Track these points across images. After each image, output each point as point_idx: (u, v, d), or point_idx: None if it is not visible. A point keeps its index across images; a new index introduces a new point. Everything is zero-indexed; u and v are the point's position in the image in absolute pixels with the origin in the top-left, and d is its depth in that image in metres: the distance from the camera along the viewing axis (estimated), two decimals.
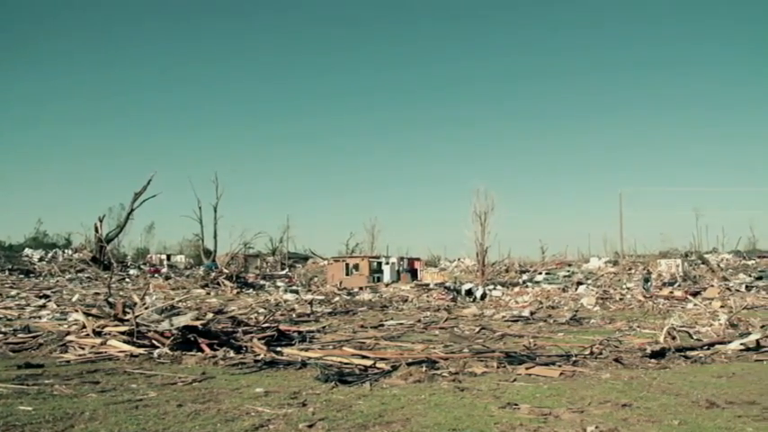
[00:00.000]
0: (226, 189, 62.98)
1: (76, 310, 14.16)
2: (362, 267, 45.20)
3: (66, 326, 13.62)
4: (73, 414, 6.42)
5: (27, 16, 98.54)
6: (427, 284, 34.98)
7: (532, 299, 26.80)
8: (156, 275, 41.87)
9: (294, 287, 36.32)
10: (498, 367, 9.67)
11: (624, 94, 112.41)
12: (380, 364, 9.67)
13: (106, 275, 32.27)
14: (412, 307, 25.02)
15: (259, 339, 12.20)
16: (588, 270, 47.54)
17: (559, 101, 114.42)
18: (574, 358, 10.55)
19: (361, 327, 17.43)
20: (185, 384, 8.34)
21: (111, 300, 14.19)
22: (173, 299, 17.93)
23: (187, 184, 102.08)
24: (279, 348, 11.64)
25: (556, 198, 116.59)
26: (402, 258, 49.92)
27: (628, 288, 31.01)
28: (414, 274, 46.12)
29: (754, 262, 51.98)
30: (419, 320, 19.19)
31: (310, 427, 6.03)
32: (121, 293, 25.27)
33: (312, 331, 15.43)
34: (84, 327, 12.07)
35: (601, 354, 11.12)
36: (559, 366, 9.88)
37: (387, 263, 46.23)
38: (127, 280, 37.34)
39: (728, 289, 29.74)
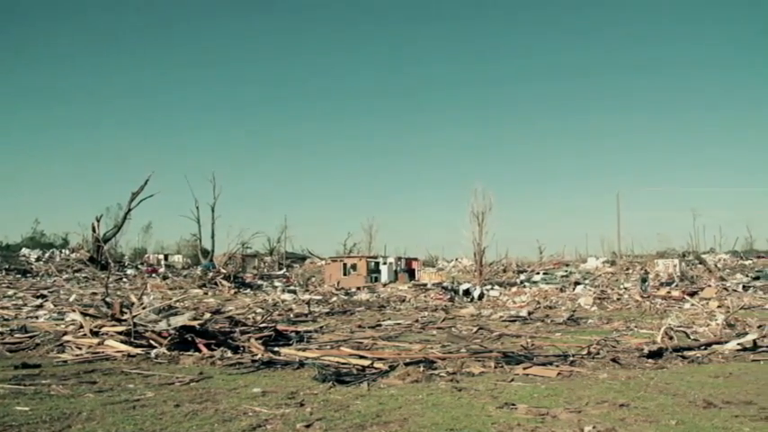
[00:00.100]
0: (223, 189, 62.93)
1: (74, 310, 14.14)
2: (360, 267, 45.19)
3: (63, 326, 13.60)
4: (70, 414, 6.40)
5: (25, 17, 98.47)
6: (425, 284, 35.02)
7: (530, 299, 26.82)
8: (153, 275, 41.84)
9: (292, 287, 36.30)
10: (496, 367, 9.67)
11: (622, 94, 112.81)
12: (378, 364, 9.67)
13: (103, 275, 32.24)
14: (409, 307, 25.03)
15: (256, 339, 12.19)
16: (586, 270, 47.64)
17: (557, 101, 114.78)
18: (571, 358, 10.56)
19: (359, 327, 17.42)
20: (183, 384, 8.33)
21: (108, 300, 14.18)
22: (170, 299, 17.94)
23: (184, 183, 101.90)
24: (276, 348, 11.63)
25: (553, 198, 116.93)
26: (400, 258, 49.93)
27: (625, 288, 31.09)
28: (411, 274, 46.13)
29: (751, 262, 52.11)
30: (417, 320, 19.19)
31: (308, 427, 6.03)
32: (119, 293, 25.21)
33: (310, 331, 15.43)
34: (81, 327, 12.05)
35: (598, 354, 11.14)
36: (557, 366, 9.88)
37: (384, 263, 46.23)
38: (124, 280, 37.30)
39: (726, 289, 29.79)
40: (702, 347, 11.83)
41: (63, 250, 52.49)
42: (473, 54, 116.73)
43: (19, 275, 37.12)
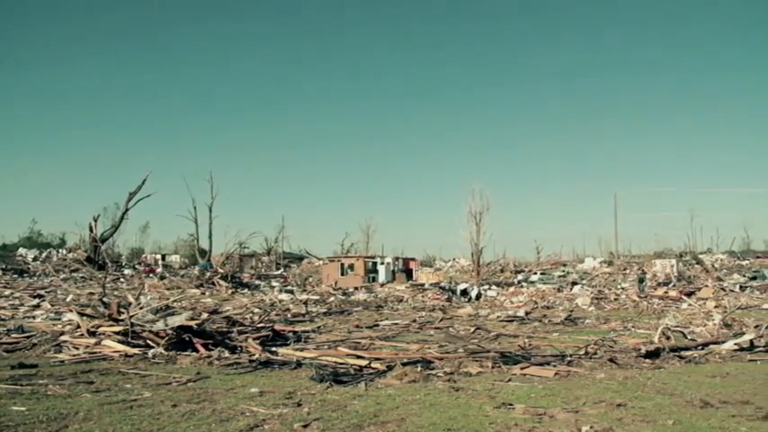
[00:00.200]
0: (221, 189, 63.06)
1: (71, 310, 14.13)
2: (358, 267, 45.19)
3: (60, 326, 13.57)
4: (67, 414, 6.39)
5: (23, 18, 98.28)
6: (422, 284, 35.01)
7: (527, 299, 26.82)
8: (150, 275, 41.79)
9: (289, 287, 36.29)
10: (493, 367, 9.68)
11: (620, 95, 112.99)
12: (375, 364, 9.66)
13: (101, 275, 32.23)
14: (407, 307, 25.02)
15: (254, 339, 12.18)
16: (583, 270, 47.69)
17: (555, 101, 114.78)
18: (569, 358, 10.57)
19: (357, 327, 17.42)
20: (180, 384, 8.32)
21: (105, 300, 14.13)
22: (168, 299, 17.91)
23: (182, 183, 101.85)
24: (274, 348, 11.63)
25: (551, 198, 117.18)
26: (397, 258, 49.96)
27: (623, 288, 31.10)
28: (409, 274, 46.13)
29: (748, 262, 52.24)
30: (414, 320, 19.18)
31: (305, 427, 6.03)
32: (116, 293, 25.17)
33: (307, 331, 15.43)
34: (78, 327, 12.03)
35: (596, 354, 11.14)
36: (554, 366, 9.89)
37: (382, 263, 46.23)
38: (121, 280, 37.24)
39: (723, 289, 29.80)
40: (699, 347, 11.85)
41: (60, 250, 52.43)
42: (470, 55, 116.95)
43: (16, 275, 37.05)
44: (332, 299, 28.19)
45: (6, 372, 9.01)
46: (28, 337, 12.29)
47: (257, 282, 40.46)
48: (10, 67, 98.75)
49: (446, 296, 28.67)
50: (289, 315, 20.85)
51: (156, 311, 13.00)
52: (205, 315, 14.65)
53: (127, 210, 47.79)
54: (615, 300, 26.00)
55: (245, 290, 34.45)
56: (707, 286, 30.70)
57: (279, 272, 53.86)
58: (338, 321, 19.34)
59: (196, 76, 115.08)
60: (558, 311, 21.93)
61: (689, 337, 13.27)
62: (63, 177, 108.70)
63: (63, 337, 11.65)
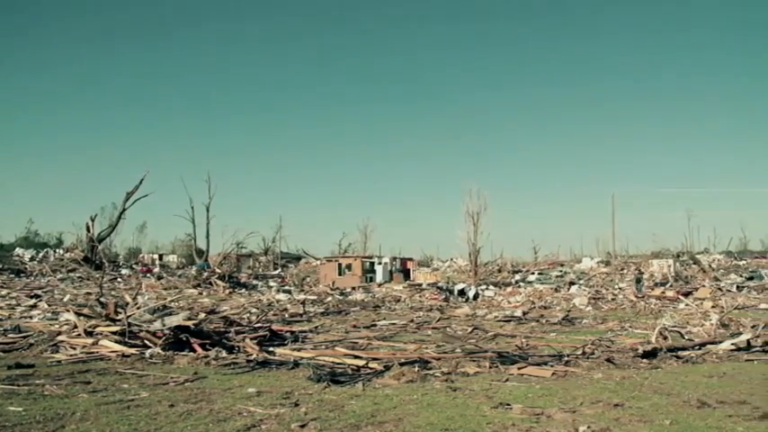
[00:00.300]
0: (218, 189, 62.84)
1: (68, 310, 14.10)
2: (355, 267, 45.18)
3: (57, 326, 13.55)
4: (64, 414, 6.39)
5: (20, 19, 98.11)
6: (420, 284, 35.01)
7: (525, 299, 26.85)
8: (148, 275, 41.73)
9: (287, 287, 36.27)
10: (491, 367, 9.68)
11: (617, 94, 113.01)
12: (373, 365, 9.67)
13: (98, 275, 32.17)
14: (404, 307, 25.02)
15: (251, 339, 12.17)
16: (580, 270, 47.68)
17: (552, 101, 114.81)
18: (566, 358, 10.58)
19: (354, 327, 17.42)
20: (177, 384, 8.31)
21: (102, 299, 14.12)
22: (165, 299, 17.88)
23: (179, 183, 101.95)
24: (271, 348, 11.63)
25: (548, 198, 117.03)
26: (395, 258, 49.97)
27: (620, 288, 31.16)
28: (406, 274, 46.14)
29: (745, 262, 52.31)
30: (412, 320, 19.19)
31: (302, 427, 6.03)
32: (113, 293, 25.15)
33: (305, 331, 15.42)
34: (75, 327, 12.02)
35: (593, 354, 11.15)
36: (552, 366, 9.90)
37: (379, 263, 46.24)
38: (119, 280, 37.19)
39: (720, 289, 29.87)
40: (696, 347, 11.86)
41: (57, 250, 52.27)
42: (468, 56, 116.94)
43: (13, 275, 36.95)
44: (329, 299, 28.19)
45: (3, 372, 8.99)
46: (25, 337, 12.27)
47: (255, 282, 40.44)
48: (7, 69, 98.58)
49: (443, 296, 28.69)
50: (286, 315, 20.85)
51: (154, 311, 13.00)
52: (202, 315, 14.64)
53: (124, 210, 47.76)
54: (612, 300, 26.06)
55: (243, 290, 34.44)
56: (704, 286, 30.74)
57: (276, 272, 53.82)
58: (336, 321, 19.34)
59: (194, 77, 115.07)
60: (556, 311, 21.94)
61: (686, 337, 13.28)
62: (60, 177, 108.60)
63: (60, 337, 11.64)
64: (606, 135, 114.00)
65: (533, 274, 43.57)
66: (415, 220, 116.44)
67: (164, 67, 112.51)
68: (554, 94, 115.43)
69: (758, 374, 9.38)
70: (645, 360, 10.63)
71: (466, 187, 41.92)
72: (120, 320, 11.66)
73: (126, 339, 11.11)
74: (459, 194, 42.88)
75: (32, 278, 36.37)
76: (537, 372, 9.38)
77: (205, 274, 37.82)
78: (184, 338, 11.32)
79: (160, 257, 61.34)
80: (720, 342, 12.06)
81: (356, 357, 10.44)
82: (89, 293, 26.10)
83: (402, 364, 9.57)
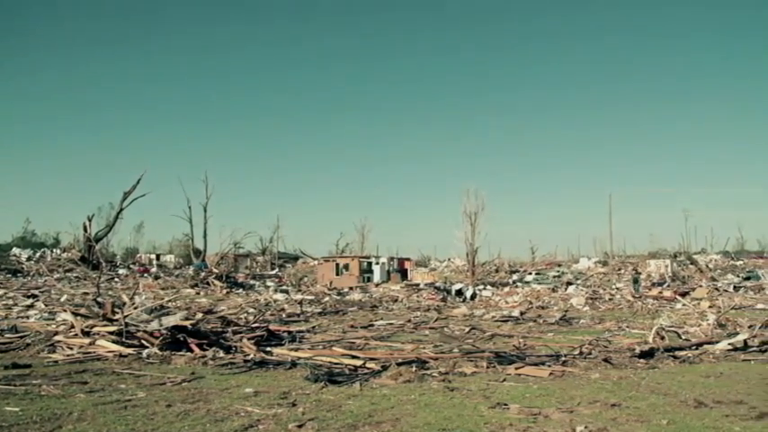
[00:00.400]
0: (216, 188, 62.70)
1: (65, 310, 14.07)
2: (353, 267, 45.16)
3: (54, 326, 13.52)
4: (61, 415, 6.38)
5: (18, 15, 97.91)
6: (417, 284, 34.98)
7: (522, 299, 26.85)
8: (145, 275, 41.67)
9: (284, 287, 36.23)
10: (488, 367, 9.68)
11: (615, 94, 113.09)
12: (370, 365, 9.67)
13: (95, 275, 32.09)
14: (402, 307, 25.02)
15: (249, 339, 12.17)
16: (578, 270, 47.71)
17: (550, 102, 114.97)
18: (563, 358, 10.59)
19: (351, 327, 17.42)
20: (174, 384, 8.31)
21: (99, 299, 14.12)
22: (162, 299, 17.85)
23: (177, 183, 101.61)
24: (269, 348, 11.62)
25: (546, 198, 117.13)
26: (392, 258, 49.90)
27: (617, 288, 31.15)
28: (404, 274, 46.12)
29: (742, 262, 52.33)
30: (409, 320, 19.19)
31: (300, 427, 6.02)
32: (110, 293, 25.09)
33: (302, 331, 15.41)
34: (72, 327, 12.00)
35: (590, 354, 11.16)
36: (549, 366, 9.91)
37: (377, 263, 46.20)
38: (116, 280, 37.13)
39: (717, 289, 29.87)
40: (694, 347, 11.88)
41: (54, 250, 52.17)
42: (465, 54, 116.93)
43: (9, 275, 36.89)
44: (327, 299, 28.18)
45: (0, 372, 8.97)
46: (21, 337, 12.24)
47: (252, 282, 40.38)
48: (4, 69, 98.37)
49: (441, 296, 28.68)
50: (284, 315, 20.85)
51: (151, 311, 12.98)
52: (200, 315, 14.61)
53: (121, 209, 47.71)
54: (610, 300, 26.06)
55: (240, 290, 34.40)
56: (701, 286, 30.77)
57: (274, 272, 53.75)
58: (333, 321, 19.33)
59: (191, 77, 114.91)
60: (553, 311, 21.96)
61: (683, 337, 13.30)
62: (57, 177, 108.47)
63: (57, 337, 11.61)
64: (604, 136, 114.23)
65: (531, 274, 43.58)
66: (413, 220, 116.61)
67: (161, 68, 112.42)
68: (552, 95, 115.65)
69: (755, 374, 9.40)
70: (642, 360, 10.65)
71: (463, 187, 42.04)
72: (117, 320, 11.64)
73: (123, 339, 11.10)
74: (456, 195, 43.05)
75: (29, 278, 36.30)
76: (534, 372, 9.39)
77: (202, 274, 37.78)
78: (182, 338, 11.31)
79: (157, 257, 61.26)
80: (717, 342, 12.08)
81: (353, 357, 10.45)
82: (86, 293, 26.04)
83: (399, 364, 9.57)
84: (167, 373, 9.07)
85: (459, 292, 29.81)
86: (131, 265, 49.66)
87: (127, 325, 11.38)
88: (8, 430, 5.80)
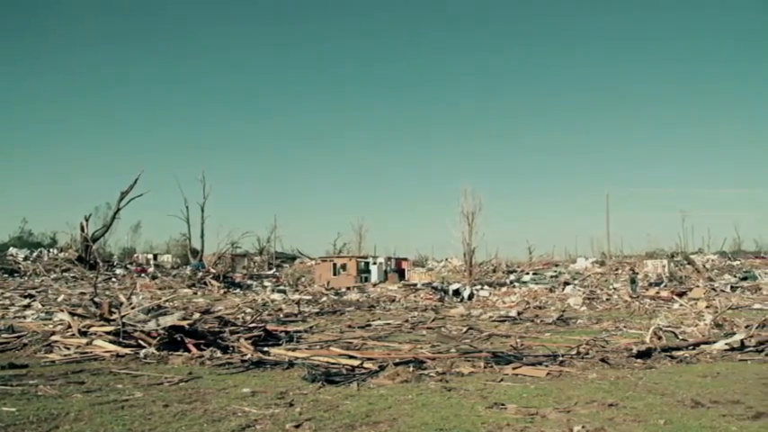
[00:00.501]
0: (213, 188, 62.61)
1: (62, 310, 14.05)
2: (350, 267, 45.15)
3: (51, 326, 13.48)
4: (58, 415, 6.37)
5: (14, 14, 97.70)
6: (415, 284, 34.99)
7: (519, 299, 26.84)
8: (142, 275, 41.61)
9: (281, 287, 36.20)
10: (485, 367, 9.68)
11: (612, 94, 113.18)
12: (368, 365, 9.66)
13: (92, 275, 32.11)
14: (399, 307, 25.02)
15: (246, 339, 12.16)
16: (575, 270, 47.78)
17: (547, 101, 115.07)
18: (560, 358, 10.59)
19: (349, 327, 17.41)
20: (172, 384, 8.30)
21: (96, 299, 14.10)
22: (159, 299, 17.87)
23: (174, 183, 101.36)
24: (266, 348, 11.61)
25: (543, 199, 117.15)
26: (389, 258, 49.89)
27: (614, 288, 31.18)
28: (401, 274, 46.12)
29: (739, 263, 52.39)
30: (406, 320, 19.18)
31: (297, 427, 6.02)
32: (107, 293, 25.08)
33: (299, 331, 15.41)
34: (69, 327, 11.98)
35: (587, 354, 11.17)
36: (546, 366, 9.91)
37: (374, 263, 46.19)
38: (113, 279, 37.08)
39: (714, 289, 29.91)
40: (691, 347, 11.90)
41: (51, 250, 52.20)
42: (462, 54, 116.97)
43: (6, 275, 36.85)
44: (324, 299, 28.17)
45: None
46: (18, 338, 12.22)
47: (249, 282, 40.36)
48: (1, 69, 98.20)
49: (438, 296, 28.68)
50: (281, 315, 20.84)
51: (148, 311, 12.98)
52: (197, 315, 14.60)
53: (118, 209, 47.66)
54: (607, 300, 26.07)
55: (238, 290, 34.38)
56: (698, 286, 30.81)
57: (271, 272, 53.73)
58: (330, 321, 19.32)
59: (189, 76, 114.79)
60: (550, 311, 21.97)
61: (680, 337, 13.31)
62: (54, 177, 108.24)
63: (54, 338, 11.60)
64: (601, 136, 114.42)
65: (528, 274, 43.61)
66: (411, 220, 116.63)
67: (159, 68, 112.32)
68: (549, 96, 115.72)
69: (752, 374, 9.41)
70: (639, 360, 10.66)
71: (461, 188, 42.04)
72: (114, 320, 11.63)
73: (120, 339, 11.09)
74: (454, 195, 42.85)
75: (26, 278, 36.28)
76: (532, 372, 9.39)
77: (200, 273, 37.78)
78: (179, 338, 11.29)
79: (155, 257, 61.25)
80: (714, 342, 12.09)
81: (351, 357, 10.44)
82: (83, 293, 26.03)
83: (397, 364, 9.57)
84: (164, 373, 9.06)
85: (457, 292, 29.81)
86: (128, 265, 49.60)
87: (124, 325, 11.37)
88: (5, 430, 5.79)
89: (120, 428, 5.91)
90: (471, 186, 41.81)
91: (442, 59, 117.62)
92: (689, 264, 45.56)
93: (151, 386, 8.17)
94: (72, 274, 37.58)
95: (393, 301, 27.74)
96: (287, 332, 14.95)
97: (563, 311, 21.64)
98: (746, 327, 13.83)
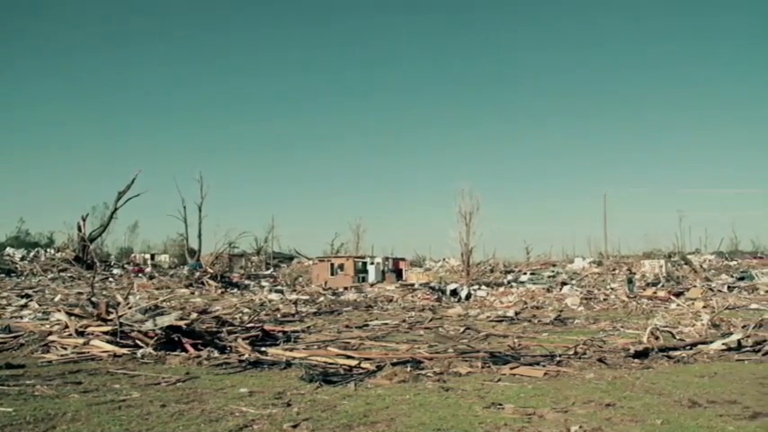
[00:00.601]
0: (211, 188, 62.67)
1: (59, 310, 14.02)
2: (347, 267, 45.14)
3: (48, 326, 13.46)
4: (55, 415, 6.36)
5: (9, 13, 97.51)
6: (412, 284, 34.97)
7: (517, 299, 26.84)
8: (139, 275, 41.58)
9: (279, 287, 36.18)
10: (483, 367, 9.69)
11: (610, 95, 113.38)
12: (365, 364, 9.66)
13: (89, 275, 32.06)
14: (397, 307, 25.00)
15: (243, 339, 12.15)
16: (573, 270, 47.77)
17: (545, 102, 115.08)
18: (558, 358, 10.60)
19: (346, 327, 17.40)
20: (169, 384, 8.29)
21: (94, 299, 14.06)
22: (157, 298, 17.82)
23: (172, 183, 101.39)
24: (263, 348, 11.60)
25: (541, 199, 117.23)
26: (387, 258, 49.91)
27: (612, 288, 31.19)
28: (399, 274, 46.11)
29: (736, 263, 52.48)
30: (404, 320, 19.17)
31: (295, 427, 6.02)
32: (105, 293, 25.02)
33: (297, 331, 15.40)
34: (66, 327, 11.95)
35: (585, 354, 11.17)
36: (544, 366, 9.92)
37: (372, 263, 46.20)
38: (110, 279, 37.03)
39: (711, 289, 29.92)
40: (688, 347, 11.91)
41: (48, 249, 52.07)
42: (460, 53, 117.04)
43: (3, 275, 36.77)
44: (322, 299, 28.15)
45: None
46: (15, 338, 12.20)
47: (247, 281, 40.32)
48: None
49: (436, 296, 28.66)
50: (278, 315, 20.80)
51: (145, 311, 12.96)
52: (194, 315, 14.58)
53: (116, 209, 47.64)
54: (604, 300, 26.08)
55: (235, 290, 34.33)
56: (695, 286, 30.81)
57: (268, 272, 53.72)
58: (328, 321, 19.31)
59: (187, 76, 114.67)
60: (548, 311, 21.97)
61: (677, 337, 13.32)
62: (51, 176, 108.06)
63: (51, 338, 11.58)
64: (599, 136, 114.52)
65: (525, 274, 43.61)
66: (408, 220, 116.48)
67: (157, 68, 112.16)
68: (547, 95, 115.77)
69: (748, 374, 9.43)
70: (636, 360, 10.67)
71: (458, 187, 41.99)
72: (111, 320, 11.61)
73: (117, 339, 11.07)
74: (451, 194, 42.84)
75: (23, 278, 36.22)
76: (529, 372, 9.40)
77: (197, 273, 37.72)
78: (176, 338, 11.28)
79: (152, 257, 61.19)
80: (711, 342, 12.11)
81: (348, 357, 10.44)
82: (80, 293, 26.00)
83: (394, 364, 9.57)
84: (162, 374, 9.05)
85: (454, 293, 29.80)
86: (126, 265, 49.58)
87: (121, 325, 11.35)
88: (1, 431, 5.78)
89: (117, 428, 5.90)
90: (469, 186, 41.80)
91: (441, 60, 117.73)
92: (686, 264, 45.63)
93: (148, 386, 8.16)
94: (69, 274, 37.54)
95: (390, 301, 27.73)
96: (284, 332, 14.95)
97: (560, 311, 21.65)
98: (743, 327, 13.84)
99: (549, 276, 41.07)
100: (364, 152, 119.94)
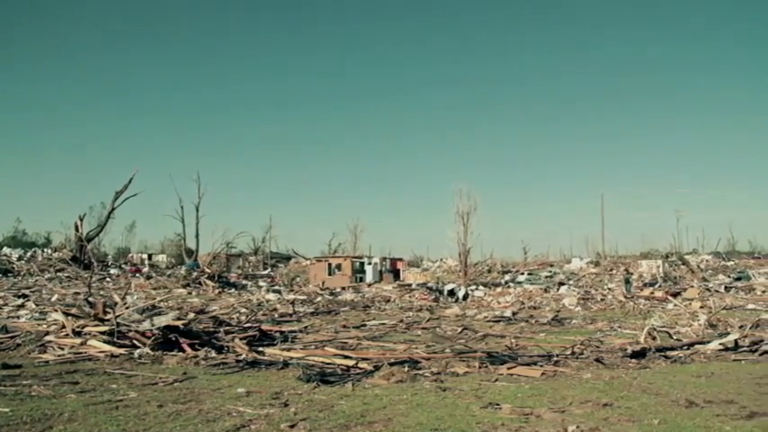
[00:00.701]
0: (208, 188, 62.48)
1: (56, 310, 14.00)
2: (345, 267, 45.16)
3: (45, 326, 13.45)
4: (51, 415, 6.34)
5: (10, 16, 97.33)
6: (410, 285, 35.01)
7: (514, 299, 26.87)
8: (137, 275, 41.55)
9: (276, 287, 36.18)
10: (480, 367, 9.70)
11: (607, 95, 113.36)
12: (363, 365, 9.66)
13: (86, 275, 31.95)
14: (394, 307, 25.02)
15: (241, 339, 12.15)
16: (570, 271, 47.78)
17: (543, 102, 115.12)
18: (555, 358, 10.61)
19: (344, 327, 17.41)
20: (166, 385, 8.28)
21: (91, 299, 14.05)
22: (154, 298, 17.82)
23: (169, 182, 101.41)
24: (261, 348, 11.60)
25: (538, 199, 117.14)
26: (385, 258, 49.95)
27: (609, 288, 31.22)
28: (396, 274, 46.14)
29: (733, 263, 52.54)
30: (401, 321, 19.19)
31: (292, 427, 6.01)
32: (102, 293, 25.01)
33: (294, 331, 15.40)
34: (63, 327, 11.94)
35: (582, 354, 11.19)
36: (541, 366, 9.92)
37: (369, 263, 46.23)
38: (107, 279, 37.01)
39: (708, 290, 29.98)
40: (685, 347, 11.93)
41: (45, 249, 51.95)
42: (458, 53, 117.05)
43: (0, 275, 36.69)
44: (319, 299, 28.16)
45: None
46: (12, 338, 12.17)
47: (244, 281, 40.32)
48: None
49: (433, 296, 28.70)
50: (276, 315, 20.81)
51: (143, 311, 12.94)
52: (192, 315, 14.59)
53: (113, 209, 47.51)
54: (602, 300, 26.13)
55: (232, 290, 34.34)
56: (692, 287, 30.86)
57: (266, 272, 53.69)
58: (325, 321, 19.31)
59: (184, 76, 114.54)
60: (545, 312, 22.01)
61: (674, 338, 13.35)
62: (48, 176, 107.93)
63: (48, 338, 11.56)
64: (596, 136, 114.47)
65: (523, 274, 43.61)
66: (406, 220, 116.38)
67: (154, 68, 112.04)
68: (545, 95, 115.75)
69: (745, 374, 9.44)
70: (634, 360, 10.69)
71: (456, 188, 42.05)
72: (108, 320, 11.60)
73: (115, 339, 11.06)
74: (449, 195, 42.68)
75: (20, 278, 36.15)
76: (526, 372, 9.40)
77: (194, 273, 37.69)
78: (173, 338, 11.27)
79: (149, 257, 61.09)
80: (708, 342, 12.13)
81: (346, 357, 10.44)
82: (77, 293, 25.94)
83: (392, 364, 9.57)
84: (159, 374, 9.04)
85: (452, 293, 29.82)
86: (123, 265, 49.51)
87: (118, 325, 11.34)
88: None
89: (114, 429, 5.89)
90: (467, 186, 41.88)
91: (439, 60, 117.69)
92: (683, 264, 45.67)
93: (146, 386, 8.15)
94: (66, 274, 37.48)
95: (388, 301, 27.74)
96: (282, 332, 14.94)
97: (558, 312, 21.68)
98: (740, 327, 13.89)
99: (547, 277, 41.08)
100: (362, 153, 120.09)
